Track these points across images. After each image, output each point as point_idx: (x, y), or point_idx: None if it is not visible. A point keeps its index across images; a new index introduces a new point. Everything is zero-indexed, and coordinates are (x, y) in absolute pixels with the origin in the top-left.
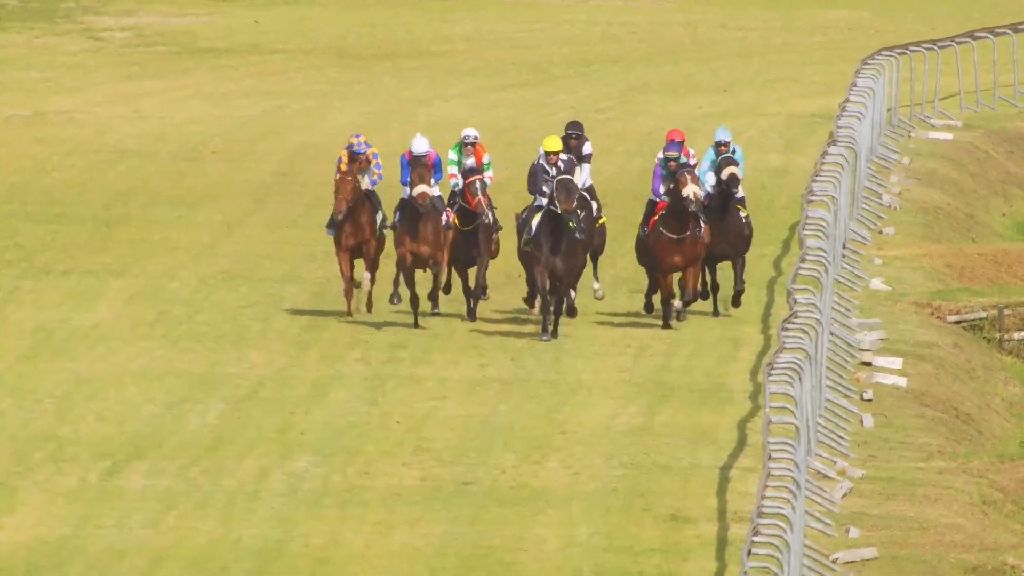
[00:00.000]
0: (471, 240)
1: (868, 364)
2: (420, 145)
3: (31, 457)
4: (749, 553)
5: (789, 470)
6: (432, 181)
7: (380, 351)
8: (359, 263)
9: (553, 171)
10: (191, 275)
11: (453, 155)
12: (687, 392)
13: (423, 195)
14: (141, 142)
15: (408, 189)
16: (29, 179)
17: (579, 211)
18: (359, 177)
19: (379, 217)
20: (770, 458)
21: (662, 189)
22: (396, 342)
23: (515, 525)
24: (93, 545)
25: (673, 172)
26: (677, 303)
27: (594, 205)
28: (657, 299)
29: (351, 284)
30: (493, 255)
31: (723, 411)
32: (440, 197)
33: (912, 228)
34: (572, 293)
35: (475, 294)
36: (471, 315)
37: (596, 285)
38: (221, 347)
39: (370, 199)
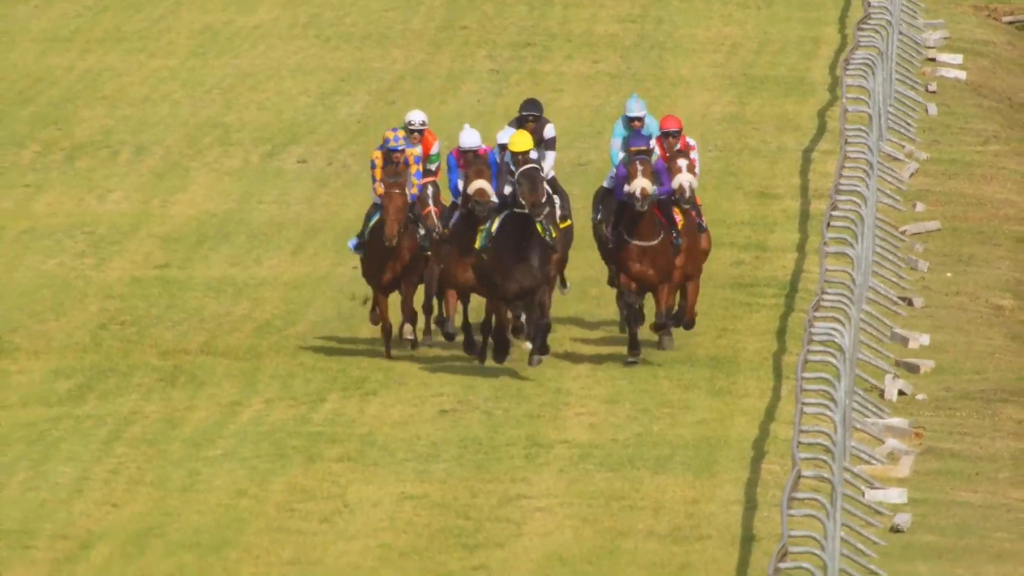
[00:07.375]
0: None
1: (932, 60)
2: (470, 138)
3: (201, 141)
4: (828, 225)
5: (863, 153)
6: (492, 180)
7: (505, 49)
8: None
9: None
10: None
11: None
12: (774, 84)
13: (482, 192)
14: None
15: (459, 189)
16: None
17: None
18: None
19: (423, 233)
20: (847, 142)
21: (627, 189)
22: (521, 41)
23: None
24: (255, 218)
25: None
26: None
27: (557, 201)
28: (646, 325)
29: (388, 323)
30: None
31: (805, 101)
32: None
33: None
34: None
35: (407, 318)
36: (413, 343)
37: (564, 289)
38: (367, 45)
39: (417, 219)
